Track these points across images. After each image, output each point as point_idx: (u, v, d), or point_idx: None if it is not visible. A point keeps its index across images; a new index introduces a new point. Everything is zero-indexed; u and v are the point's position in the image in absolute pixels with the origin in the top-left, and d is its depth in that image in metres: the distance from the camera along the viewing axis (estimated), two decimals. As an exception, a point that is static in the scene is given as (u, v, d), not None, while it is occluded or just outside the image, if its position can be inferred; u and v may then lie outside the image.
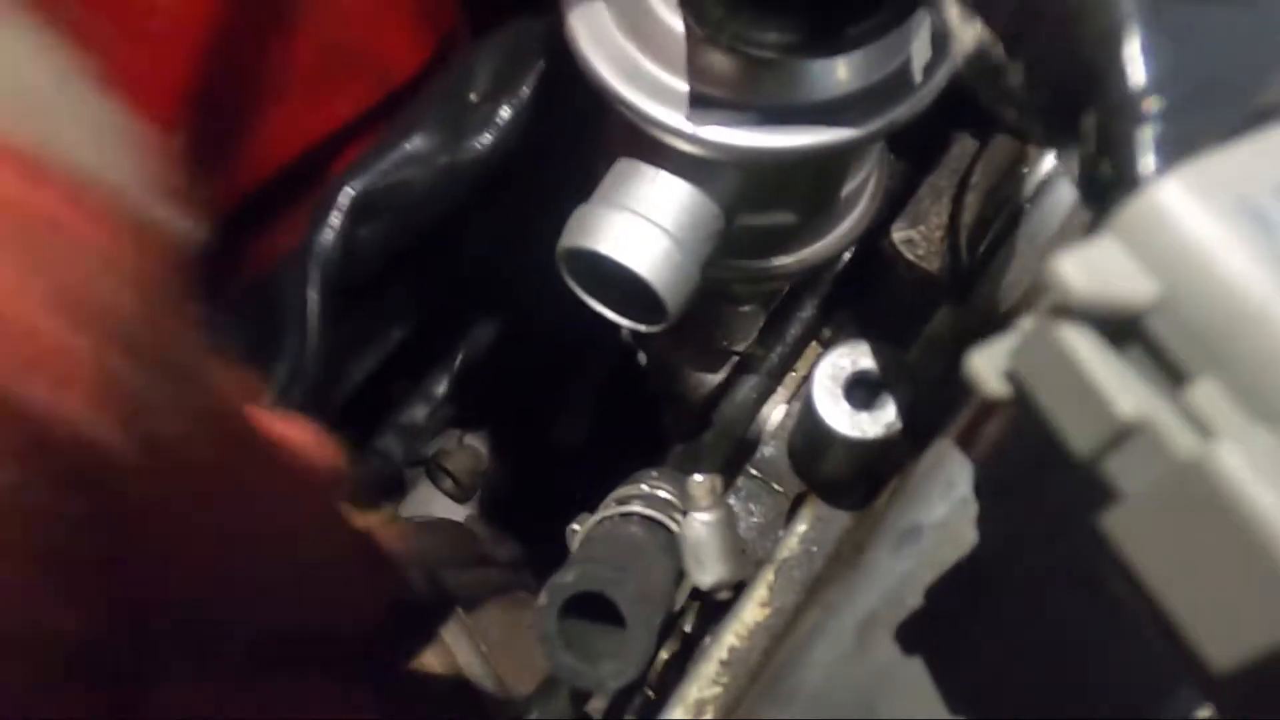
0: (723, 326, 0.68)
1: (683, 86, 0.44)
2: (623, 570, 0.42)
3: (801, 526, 0.51)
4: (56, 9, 0.27)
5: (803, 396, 0.48)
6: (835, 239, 0.57)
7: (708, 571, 0.43)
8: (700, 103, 0.43)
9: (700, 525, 0.43)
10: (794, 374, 0.74)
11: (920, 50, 0.45)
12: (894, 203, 0.60)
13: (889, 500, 0.39)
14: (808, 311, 0.72)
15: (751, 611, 0.50)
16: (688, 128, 0.43)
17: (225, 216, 0.52)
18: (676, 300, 0.48)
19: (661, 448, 0.77)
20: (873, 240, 0.60)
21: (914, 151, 0.62)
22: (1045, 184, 0.48)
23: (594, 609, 0.44)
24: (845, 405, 0.42)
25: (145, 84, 0.41)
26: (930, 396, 0.45)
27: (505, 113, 0.57)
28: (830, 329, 0.72)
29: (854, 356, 0.42)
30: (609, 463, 0.64)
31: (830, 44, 0.38)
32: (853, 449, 0.43)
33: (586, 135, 0.61)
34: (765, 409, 0.71)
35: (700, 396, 0.77)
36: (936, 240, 0.58)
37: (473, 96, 0.57)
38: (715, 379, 0.77)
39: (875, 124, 0.44)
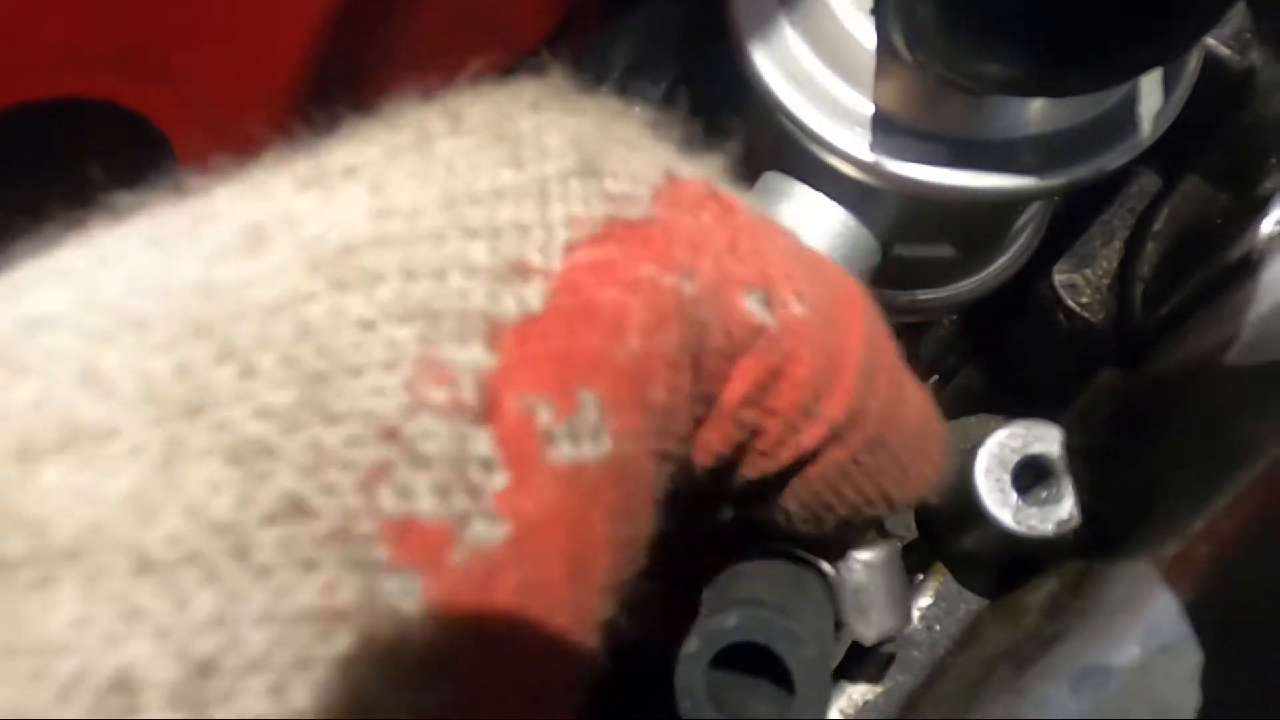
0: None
1: (865, 108, 0.38)
2: (791, 618, 0.36)
3: (925, 600, 0.46)
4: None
5: (957, 469, 0.42)
6: (991, 274, 0.51)
7: (872, 623, 0.37)
8: (885, 129, 0.38)
9: (863, 568, 0.38)
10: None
11: (1149, 82, 0.38)
12: (1055, 236, 0.54)
13: (1061, 622, 0.34)
14: (941, 335, 0.66)
15: (861, 689, 0.45)
16: (868, 156, 0.38)
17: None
18: (820, 341, 0.42)
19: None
20: (1027, 276, 0.54)
21: (1084, 181, 0.56)
22: (1265, 247, 0.41)
23: (742, 657, 0.39)
24: (1012, 495, 0.37)
25: (276, 53, 0.36)
26: (1098, 479, 0.40)
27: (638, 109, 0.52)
28: (954, 359, 0.67)
29: (1027, 438, 0.37)
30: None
31: (1071, 83, 0.32)
32: (1009, 541, 0.38)
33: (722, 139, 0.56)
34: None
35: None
36: (1103, 289, 0.52)
37: (604, 88, 0.52)
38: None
39: (1082, 170, 0.38)
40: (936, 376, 0.69)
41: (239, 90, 0.35)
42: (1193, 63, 0.40)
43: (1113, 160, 0.38)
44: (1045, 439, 0.37)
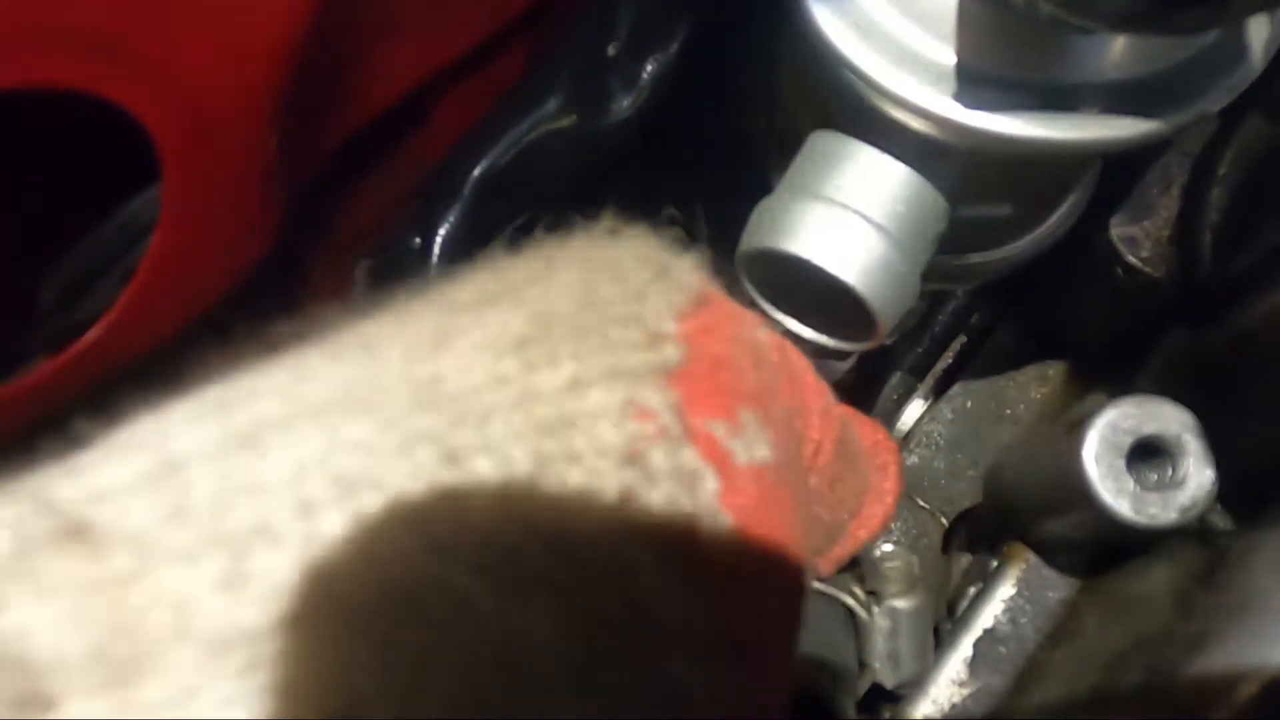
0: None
1: (940, 54, 0.34)
2: (817, 657, 0.34)
3: (1006, 590, 0.42)
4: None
5: (1042, 445, 0.39)
6: (1044, 231, 0.47)
7: (901, 668, 0.35)
8: (965, 77, 0.33)
9: (897, 616, 0.35)
10: (935, 369, 0.65)
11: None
12: (1106, 187, 0.50)
13: (1203, 621, 0.31)
14: (957, 300, 0.62)
15: (946, 690, 0.42)
16: (946, 108, 0.33)
17: (335, 154, 0.42)
18: (892, 316, 0.38)
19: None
20: (1077, 231, 0.50)
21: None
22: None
23: None
24: (1129, 481, 0.33)
25: (256, 38, 0.31)
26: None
27: (650, 69, 0.47)
28: (982, 318, 0.63)
29: (1140, 418, 0.33)
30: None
31: (1195, 17, 0.28)
32: (1124, 530, 0.35)
33: (749, 101, 0.51)
34: (907, 409, 0.63)
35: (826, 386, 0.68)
36: (1164, 241, 0.48)
37: (610, 49, 0.46)
38: (843, 366, 0.68)
39: (1184, 115, 0.34)
40: (964, 338, 0.65)
41: (218, 78, 0.30)
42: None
43: (1215, 101, 0.34)
44: (1161, 417, 0.33)
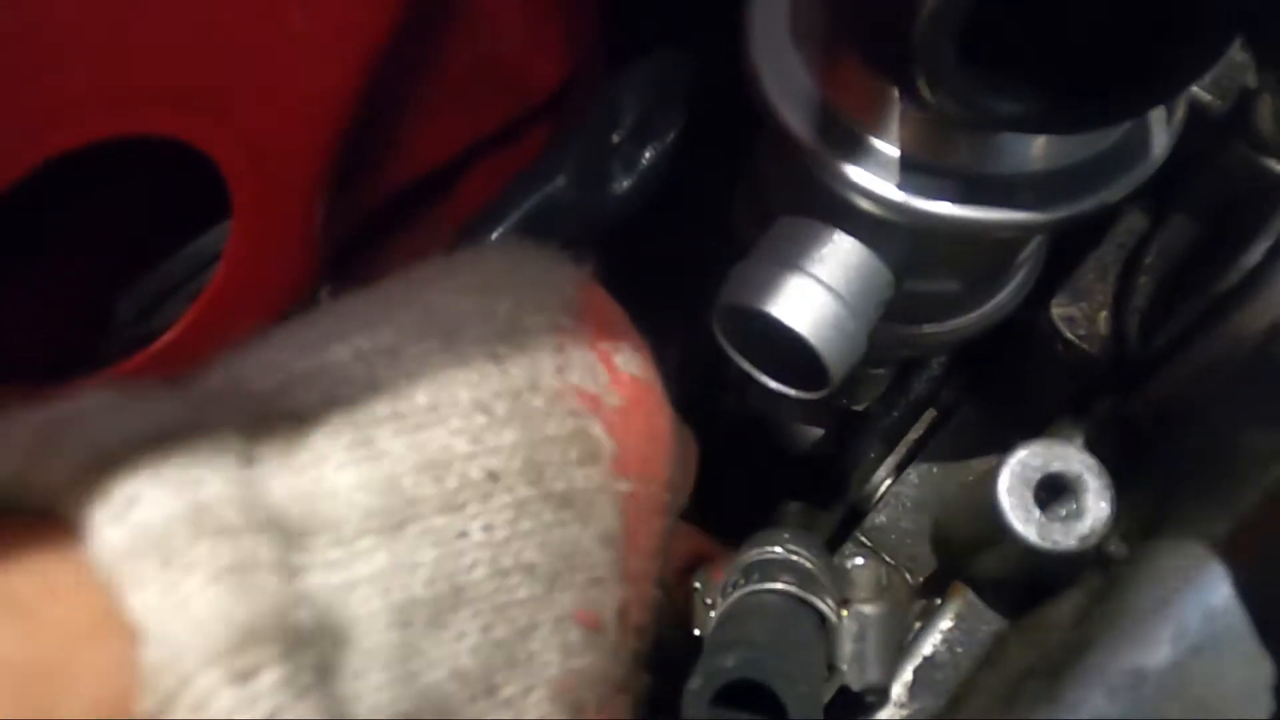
0: (848, 385, 0.64)
1: (884, 147, 0.40)
2: (787, 660, 0.38)
3: (946, 623, 0.47)
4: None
5: (971, 487, 0.44)
6: (992, 309, 0.53)
7: (867, 672, 0.39)
8: (904, 166, 0.40)
9: (866, 620, 0.39)
10: (907, 438, 0.71)
11: (1145, 123, 0.41)
12: (1049, 274, 0.56)
13: (1090, 629, 0.35)
14: (932, 374, 0.68)
15: (888, 712, 0.46)
16: (889, 192, 0.40)
17: (371, 214, 0.49)
18: (841, 369, 0.44)
19: (750, 490, 0.74)
20: (1024, 311, 0.56)
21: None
22: (1256, 274, 0.44)
23: (740, 693, 0.40)
24: (1035, 510, 0.38)
25: (320, 95, 0.38)
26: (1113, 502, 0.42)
27: (648, 155, 0.54)
28: (951, 394, 0.69)
29: (1046, 457, 0.39)
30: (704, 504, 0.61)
31: (1079, 120, 0.34)
32: (1032, 557, 0.39)
33: (729, 180, 0.58)
34: (877, 473, 0.68)
35: (804, 450, 0.73)
36: (1099, 320, 0.54)
37: (615, 137, 0.54)
38: (821, 432, 0.74)
39: (1086, 203, 0.40)
40: (934, 412, 0.71)
41: (288, 129, 0.37)
42: (1182, 106, 0.43)
43: (1114, 194, 0.41)
44: (1064, 457, 0.38)
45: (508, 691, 0.25)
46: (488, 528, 0.25)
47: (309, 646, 0.21)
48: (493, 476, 0.26)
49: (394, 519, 0.24)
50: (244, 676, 0.19)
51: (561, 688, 0.27)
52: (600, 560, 0.28)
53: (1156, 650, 0.32)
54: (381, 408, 0.25)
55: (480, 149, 0.57)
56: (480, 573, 0.25)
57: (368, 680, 0.22)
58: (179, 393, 0.25)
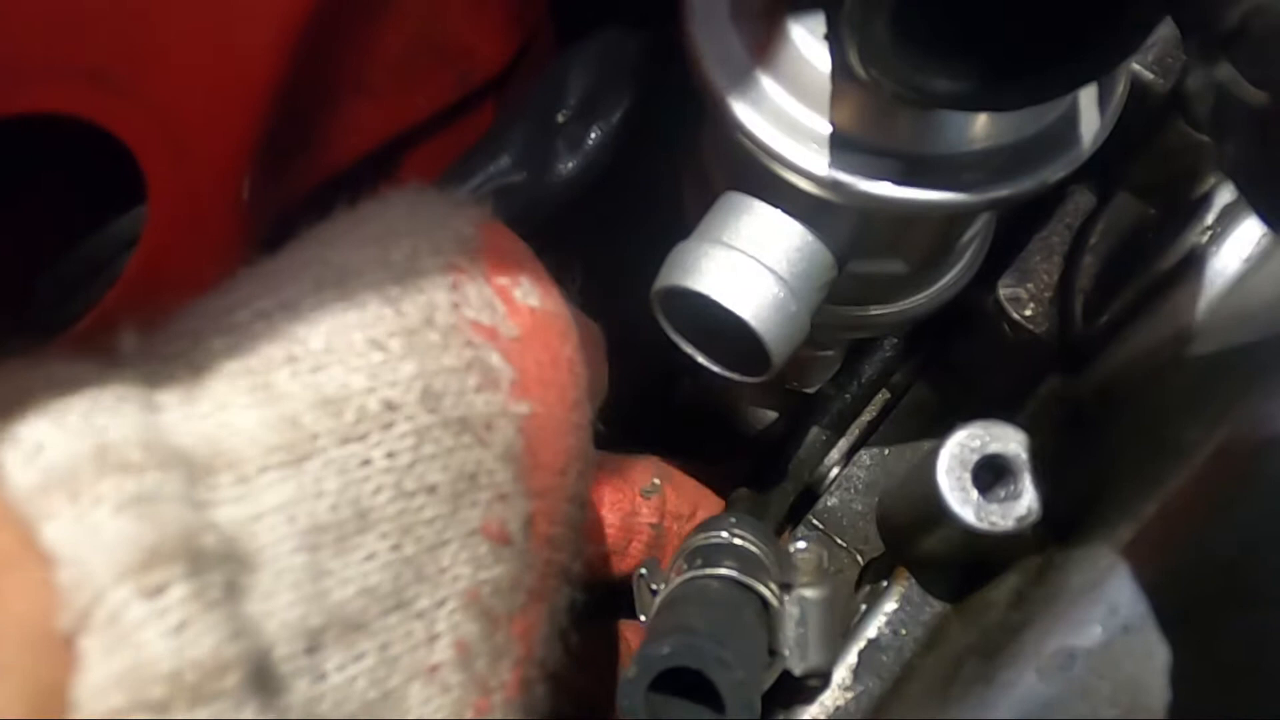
0: (797, 368, 0.64)
1: (821, 126, 0.40)
2: (723, 645, 0.38)
3: (890, 606, 0.47)
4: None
5: (913, 469, 0.44)
6: (939, 290, 0.53)
7: (808, 657, 0.39)
8: (842, 146, 0.39)
9: (807, 604, 0.39)
10: (860, 420, 0.71)
11: (1084, 101, 0.41)
12: (997, 255, 0.56)
13: (1026, 611, 0.35)
14: (884, 355, 0.68)
15: (832, 694, 0.46)
16: (826, 172, 0.39)
17: (297, 207, 0.48)
18: (783, 352, 0.44)
19: (702, 470, 0.74)
20: (971, 292, 0.56)
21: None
22: (1194, 255, 0.44)
23: (680, 679, 0.40)
24: (973, 492, 0.38)
25: (243, 74, 0.37)
26: (1052, 481, 0.42)
27: (594, 136, 0.53)
28: (903, 376, 0.68)
29: (984, 439, 0.39)
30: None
31: (1012, 97, 0.34)
32: (971, 539, 0.39)
33: (675, 161, 0.57)
34: (829, 455, 0.68)
35: (756, 432, 0.73)
36: (1045, 301, 0.54)
37: (560, 116, 0.53)
38: (773, 415, 0.73)
39: (1026, 182, 0.40)
40: (886, 394, 0.71)
41: (208, 110, 0.36)
42: (1121, 85, 0.43)
43: (1054, 173, 0.40)
44: (1003, 438, 0.38)
45: (421, 604, 0.27)
46: (390, 454, 0.27)
47: (216, 567, 0.23)
48: (391, 407, 0.27)
49: (296, 453, 0.25)
50: (153, 591, 0.21)
51: (473, 598, 0.29)
52: (504, 478, 0.30)
53: (1088, 630, 0.32)
54: (278, 354, 0.27)
55: (425, 129, 0.56)
56: (384, 496, 0.26)
57: (277, 600, 0.24)
58: (89, 356, 0.25)
